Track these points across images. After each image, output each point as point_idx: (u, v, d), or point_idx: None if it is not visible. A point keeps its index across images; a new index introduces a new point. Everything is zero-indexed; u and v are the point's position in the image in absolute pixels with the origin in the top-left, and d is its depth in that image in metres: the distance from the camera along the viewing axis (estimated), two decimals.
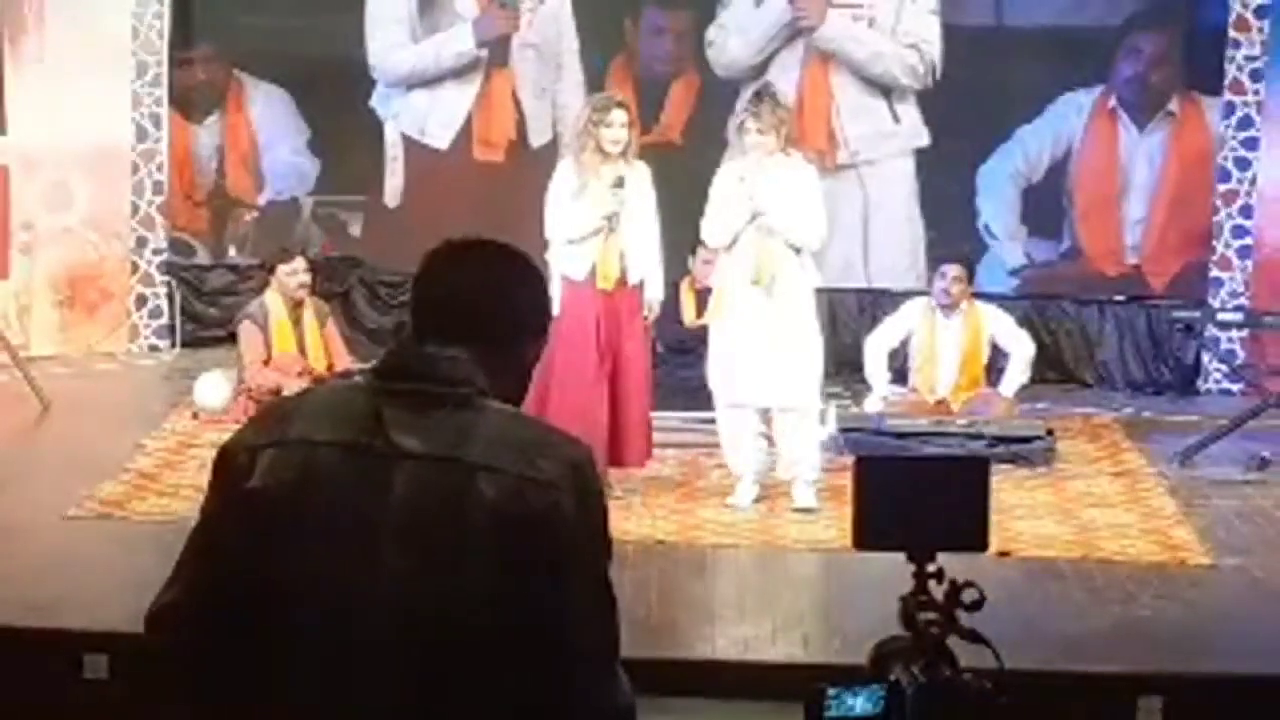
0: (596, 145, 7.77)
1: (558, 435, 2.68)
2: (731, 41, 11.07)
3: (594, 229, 7.77)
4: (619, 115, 7.83)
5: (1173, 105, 10.94)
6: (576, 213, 7.77)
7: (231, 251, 11.49)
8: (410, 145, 11.34)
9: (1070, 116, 11.01)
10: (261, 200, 11.49)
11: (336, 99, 11.24)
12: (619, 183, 7.76)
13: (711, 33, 11.12)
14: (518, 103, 11.26)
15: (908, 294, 10.15)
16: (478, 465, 2.57)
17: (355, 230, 11.50)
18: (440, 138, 11.32)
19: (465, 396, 2.64)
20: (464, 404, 2.64)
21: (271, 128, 11.44)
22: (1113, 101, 10.98)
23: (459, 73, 11.26)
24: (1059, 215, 11.12)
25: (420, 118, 11.32)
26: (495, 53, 11.25)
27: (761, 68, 10.94)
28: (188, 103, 11.36)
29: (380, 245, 11.29)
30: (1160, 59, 10.93)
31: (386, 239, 11.22)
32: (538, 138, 11.13)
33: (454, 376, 2.65)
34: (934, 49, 10.95)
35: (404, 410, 2.63)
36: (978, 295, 9.70)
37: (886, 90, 11.04)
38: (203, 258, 11.47)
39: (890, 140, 11.08)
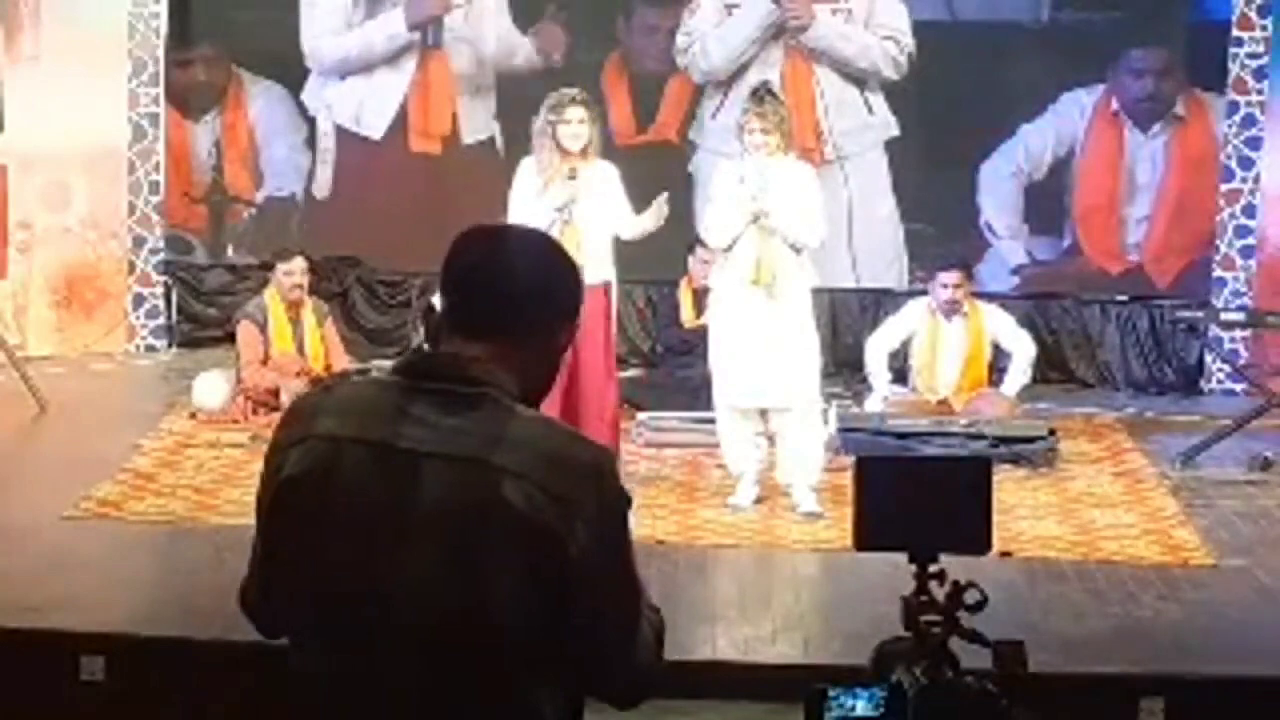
0: (555, 143, 7.76)
1: (582, 446, 2.66)
2: (711, 48, 11.03)
3: (548, 223, 7.68)
4: (576, 112, 7.79)
5: (1179, 109, 10.91)
6: (537, 210, 7.73)
7: (230, 251, 11.47)
8: (343, 136, 11.28)
9: (1073, 115, 10.99)
10: (259, 197, 11.47)
11: None
12: (571, 174, 7.73)
13: (681, 40, 11.08)
14: (453, 94, 11.19)
15: (910, 294, 10.13)
16: (505, 469, 2.57)
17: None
18: (374, 127, 11.26)
19: (493, 398, 2.63)
20: (494, 407, 2.63)
21: (270, 124, 11.42)
22: (1115, 105, 10.96)
23: (392, 58, 11.19)
24: (1061, 214, 11.10)
25: (354, 107, 11.26)
26: (429, 36, 11.17)
27: (741, 70, 10.90)
28: (186, 100, 11.36)
29: (313, 239, 11.07)
30: (1162, 72, 10.90)
31: (319, 233, 11.16)
32: (471, 134, 11.06)
33: (484, 379, 2.64)
34: (909, 38, 10.93)
35: (432, 410, 2.62)
36: (980, 294, 9.68)
37: (860, 82, 11.03)
38: (200, 255, 11.45)
39: (870, 132, 11.05)
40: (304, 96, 11.25)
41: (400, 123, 11.22)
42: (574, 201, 7.73)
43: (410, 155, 11.17)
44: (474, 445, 2.58)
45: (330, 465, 2.63)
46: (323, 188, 11.34)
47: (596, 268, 7.86)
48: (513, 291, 2.69)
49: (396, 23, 11.16)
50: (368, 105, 11.24)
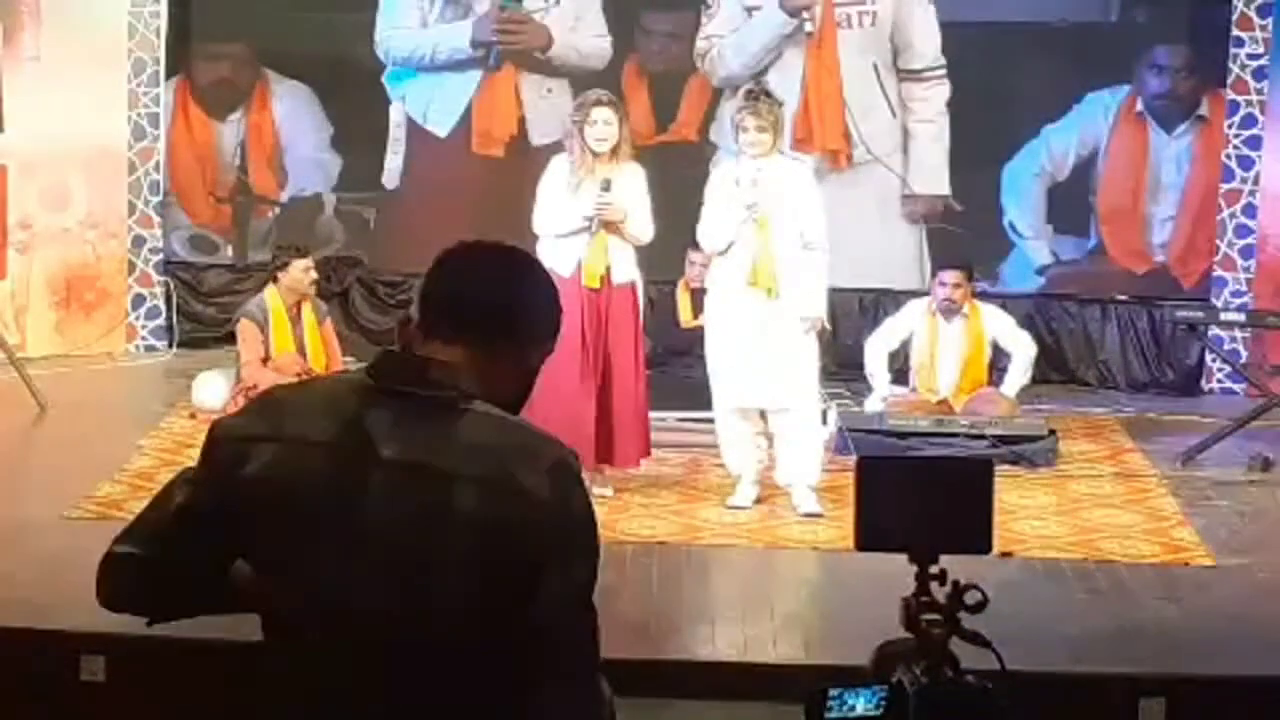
0: (583, 144, 7.77)
1: (539, 440, 2.65)
2: (729, 55, 11.00)
3: (576, 228, 7.76)
4: (601, 113, 7.81)
5: (1203, 109, 10.89)
6: (566, 209, 7.77)
7: (229, 251, 11.47)
8: (413, 129, 11.32)
9: (1097, 116, 10.98)
10: (284, 197, 11.48)
11: (360, 95, 11.23)
12: (605, 185, 7.74)
13: (700, 44, 11.07)
14: (520, 99, 11.21)
15: (911, 293, 10.12)
16: (454, 473, 2.56)
17: (375, 226, 11.50)
18: (440, 125, 11.29)
19: (450, 400, 2.63)
20: (447, 408, 2.62)
21: (294, 124, 11.43)
22: (1140, 105, 10.95)
23: (456, 66, 11.22)
24: (1085, 214, 11.09)
25: (423, 102, 11.28)
26: (491, 57, 11.20)
27: (762, 72, 10.88)
28: (211, 99, 11.38)
29: (384, 229, 11.34)
30: (1185, 69, 10.88)
31: (388, 222, 11.30)
32: (539, 137, 11.06)
33: (441, 381, 2.64)
34: (935, 41, 10.91)
35: (388, 413, 2.62)
36: (1004, 295, 9.71)
37: (885, 83, 11.01)
38: (227, 254, 11.46)
39: (895, 133, 11.04)
40: (385, 80, 11.25)
41: (466, 123, 11.22)
42: (600, 214, 7.74)
43: (473, 156, 11.18)
44: (424, 450, 2.58)
45: (296, 470, 2.62)
46: (392, 178, 11.37)
47: (623, 269, 7.89)
48: (489, 303, 2.70)
49: (461, 37, 11.18)
50: (435, 103, 11.26)
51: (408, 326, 2.73)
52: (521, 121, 11.19)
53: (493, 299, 2.71)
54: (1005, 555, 7.09)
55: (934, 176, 11.04)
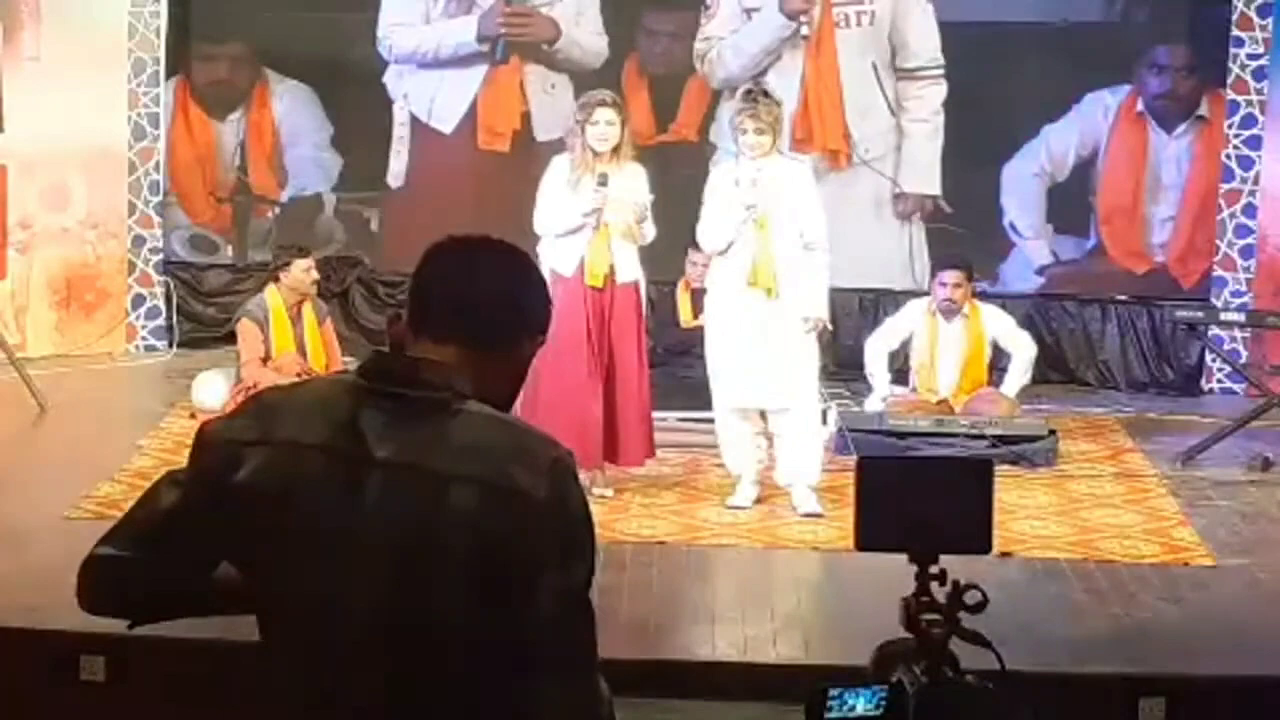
0: (584, 144, 7.78)
1: (534, 439, 2.64)
2: (728, 57, 11.01)
3: (576, 225, 7.77)
4: (604, 114, 7.82)
5: (1203, 110, 10.89)
6: (565, 208, 7.78)
7: (229, 251, 11.48)
8: (417, 127, 11.32)
9: (1097, 115, 10.98)
10: (284, 197, 11.48)
11: (360, 94, 11.24)
12: (603, 180, 7.75)
13: (700, 45, 11.07)
14: (525, 93, 11.22)
15: (910, 293, 10.12)
16: (450, 474, 2.55)
17: (376, 226, 11.49)
18: (446, 121, 11.29)
19: (443, 401, 2.61)
20: (441, 409, 2.61)
21: (294, 124, 11.43)
22: (1140, 105, 10.95)
23: (461, 62, 11.23)
24: (1085, 214, 11.09)
25: (427, 99, 11.29)
26: (497, 51, 11.21)
27: (761, 73, 10.87)
28: (211, 99, 11.39)
29: (386, 227, 11.37)
30: (1185, 69, 10.88)
31: (391, 220, 11.31)
32: (543, 132, 11.05)
33: (434, 381, 2.62)
34: (933, 41, 10.91)
35: (381, 415, 2.61)
36: (1005, 295, 9.71)
37: (884, 86, 11.01)
38: (227, 255, 11.46)
39: (894, 134, 11.04)
40: (385, 80, 11.25)
41: (471, 118, 11.22)
42: (602, 209, 7.75)
43: (479, 151, 11.20)
44: (419, 451, 2.57)
45: (291, 474, 2.61)
46: (397, 178, 11.37)
47: (627, 268, 7.90)
48: (480, 300, 2.69)
49: (467, 32, 11.18)
50: (439, 99, 11.27)
51: (397, 324, 2.72)
52: (525, 116, 11.20)
53: (484, 296, 2.70)
54: (1005, 555, 7.09)
55: (925, 176, 11.04)
